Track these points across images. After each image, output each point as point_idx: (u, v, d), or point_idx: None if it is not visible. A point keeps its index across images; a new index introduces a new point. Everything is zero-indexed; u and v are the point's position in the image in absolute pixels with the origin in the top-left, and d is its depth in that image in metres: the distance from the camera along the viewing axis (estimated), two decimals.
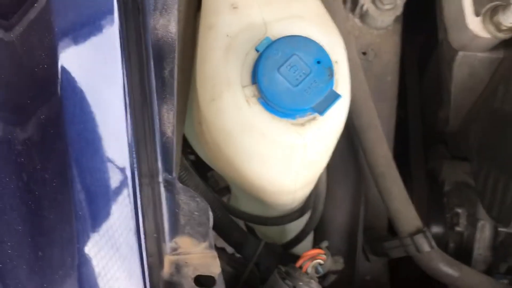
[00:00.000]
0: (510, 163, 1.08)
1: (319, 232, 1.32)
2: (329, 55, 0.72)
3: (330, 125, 0.76)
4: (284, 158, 0.78)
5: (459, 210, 1.35)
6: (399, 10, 1.25)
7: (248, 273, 0.98)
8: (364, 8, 1.25)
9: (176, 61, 0.69)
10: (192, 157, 1.34)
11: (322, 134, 0.76)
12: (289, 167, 0.79)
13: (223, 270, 0.98)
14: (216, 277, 0.76)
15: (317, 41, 0.73)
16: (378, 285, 1.34)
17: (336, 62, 0.76)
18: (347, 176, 1.32)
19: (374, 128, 1.10)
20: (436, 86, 1.36)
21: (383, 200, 1.13)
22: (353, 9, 1.28)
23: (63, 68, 0.65)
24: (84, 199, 0.67)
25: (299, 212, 1.12)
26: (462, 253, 1.34)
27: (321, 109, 0.71)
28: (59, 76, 0.66)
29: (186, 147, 1.21)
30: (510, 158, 1.08)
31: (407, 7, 1.28)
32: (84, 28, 0.63)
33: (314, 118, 0.75)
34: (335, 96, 0.72)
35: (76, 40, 0.63)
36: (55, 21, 0.63)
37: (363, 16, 1.28)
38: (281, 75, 0.71)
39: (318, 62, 0.72)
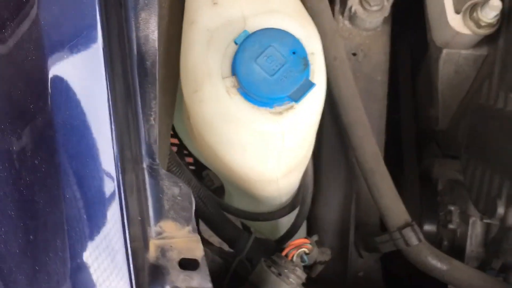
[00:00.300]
0: (494, 156, 1.11)
1: (312, 229, 1.35)
2: (304, 46, 0.76)
3: (306, 114, 0.80)
4: (263, 146, 0.81)
5: (452, 208, 1.37)
6: (386, 12, 1.28)
7: (237, 262, 1.01)
8: (353, 10, 1.28)
9: (158, 53, 0.73)
10: (190, 159, 1.38)
11: (299, 122, 0.80)
12: (269, 154, 0.83)
13: (213, 261, 1.02)
14: (200, 261, 0.79)
15: (293, 33, 0.76)
16: (371, 281, 1.36)
17: (312, 53, 0.80)
18: (339, 174, 1.35)
19: (362, 125, 1.12)
20: (428, 85, 1.39)
21: (372, 196, 1.16)
22: (342, 12, 1.32)
23: (50, 61, 0.70)
24: (71, 183, 0.71)
25: (289, 206, 1.15)
26: (455, 250, 1.36)
27: (297, 97, 0.75)
28: (48, 68, 0.70)
29: (183, 148, 1.25)
30: (495, 151, 1.11)
31: (399, 8, 1.32)
32: (68, 22, 0.68)
33: (291, 107, 0.78)
34: (310, 85, 0.75)
35: (61, 35, 0.68)
36: (41, 15, 0.68)
37: (352, 18, 1.31)
38: (258, 65, 0.75)
39: (294, 53, 0.76)
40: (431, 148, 1.52)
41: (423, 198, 1.48)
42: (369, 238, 1.30)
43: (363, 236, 1.33)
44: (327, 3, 1.06)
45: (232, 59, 0.78)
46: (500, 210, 1.07)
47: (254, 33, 0.76)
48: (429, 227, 1.43)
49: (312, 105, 0.80)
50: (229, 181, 1.03)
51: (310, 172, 1.09)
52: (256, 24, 0.79)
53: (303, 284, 0.98)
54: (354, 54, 1.35)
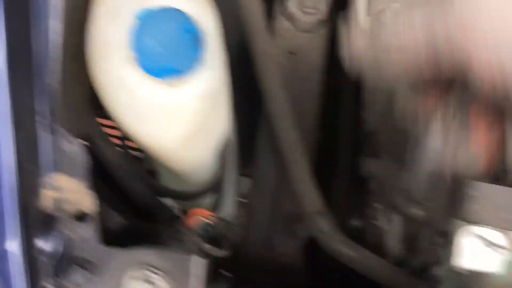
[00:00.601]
0: (400, 153, 1.18)
1: (246, 215, 1.43)
2: (196, 25, 0.84)
3: (197, 88, 0.88)
4: (158, 115, 0.89)
5: (378, 206, 1.44)
6: (321, 15, 1.36)
7: (148, 228, 1.07)
8: (290, 10, 1.36)
9: (64, 19, 0.81)
10: None
11: (190, 95, 0.88)
12: (163, 123, 0.91)
13: (120, 224, 1.08)
14: (90, 214, 0.86)
15: (188, 13, 0.85)
16: (294, 269, 1.43)
17: (206, 33, 0.88)
18: (270, 165, 1.42)
19: (284, 117, 1.19)
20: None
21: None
22: (282, 12, 1.40)
23: None
24: None
25: (210, 187, 1.23)
26: (378, 246, 1.42)
27: (185, 70, 0.84)
28: None
29: None
30: (401, 148, 1.18)
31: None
32: None
33: (183, 81, 0.86)
34: (198, 60, 0.84)
35: None
36: None
37: (290, 18, 1.39)
38: (154, 39, 0.84)
39: (186, 30, 0.84)
40: (366, 149, 1.59)
41: (355, 196, 1.55)
42: (291, 226, 1.37)
43: (288, 224, 1.40)
44: (258, 2, 1.14)
45: (132, 33, 0.86)
46: (397, 201, 1.14)
47: (153, 10, 0.85)
48: (356, 223, 1.50)
49: (204, 81, 0.88)
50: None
51: (229, 156, 1.16)
52: (158, 2, 0.87)
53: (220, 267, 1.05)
54: (292, 53, 1.43)
